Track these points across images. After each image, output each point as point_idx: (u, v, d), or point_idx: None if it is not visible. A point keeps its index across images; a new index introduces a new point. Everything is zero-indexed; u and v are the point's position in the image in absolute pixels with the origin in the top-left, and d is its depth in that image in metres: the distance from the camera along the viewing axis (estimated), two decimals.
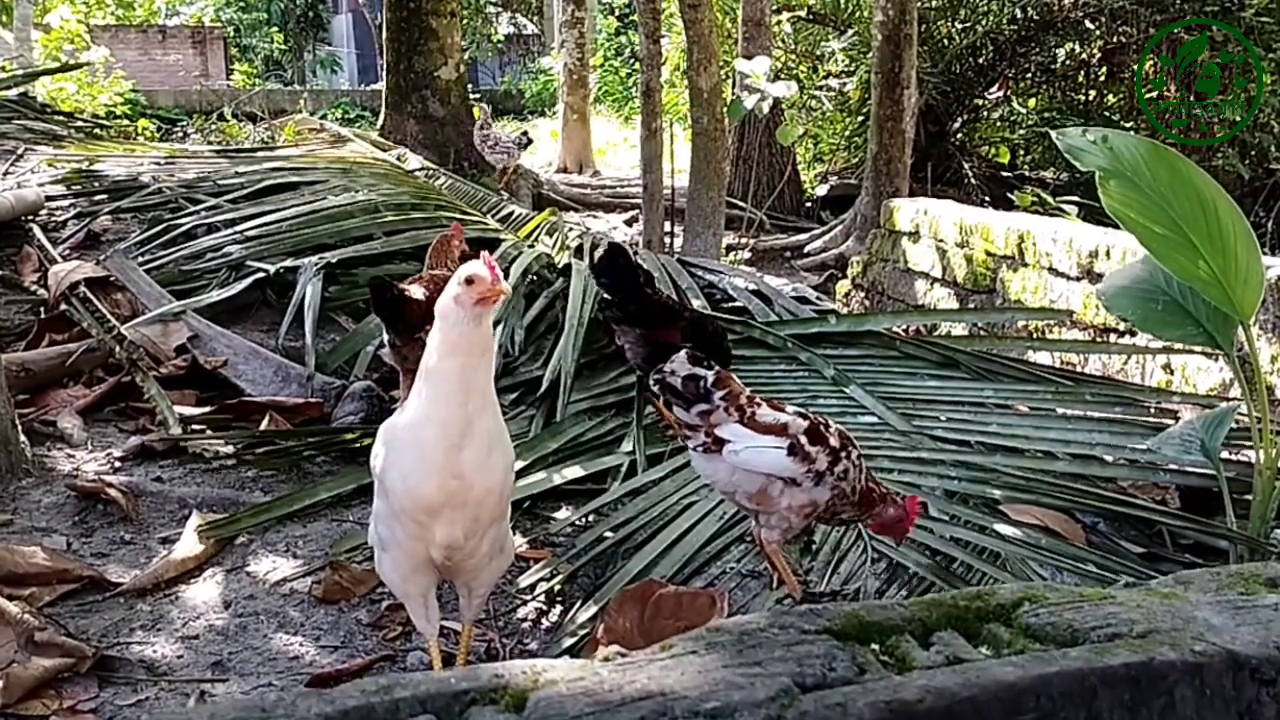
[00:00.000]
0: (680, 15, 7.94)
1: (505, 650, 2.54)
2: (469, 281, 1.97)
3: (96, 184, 6.12)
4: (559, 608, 2.73)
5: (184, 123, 12.34)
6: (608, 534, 2.96)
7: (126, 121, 11.14)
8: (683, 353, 2.57)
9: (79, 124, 8.68)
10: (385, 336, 3.52)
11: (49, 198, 5.81)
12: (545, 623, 2.68)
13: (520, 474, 3.12)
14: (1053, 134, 2.88)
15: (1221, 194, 2.64)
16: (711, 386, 2.49)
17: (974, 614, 1.41)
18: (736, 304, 4.74)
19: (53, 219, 5.63)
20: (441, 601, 2.70)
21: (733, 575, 2.79)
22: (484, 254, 2.06)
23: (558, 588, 2.79)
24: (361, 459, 3.34)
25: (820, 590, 2.71)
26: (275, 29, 24.75)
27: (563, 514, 3.19)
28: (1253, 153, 9.63)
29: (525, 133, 10.99)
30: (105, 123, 9.64)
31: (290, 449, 3.50)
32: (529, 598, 2.76)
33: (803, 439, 2.47)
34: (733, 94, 8.75)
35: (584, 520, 3.11)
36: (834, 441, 2.51)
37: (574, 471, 3.33)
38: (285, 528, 3.06)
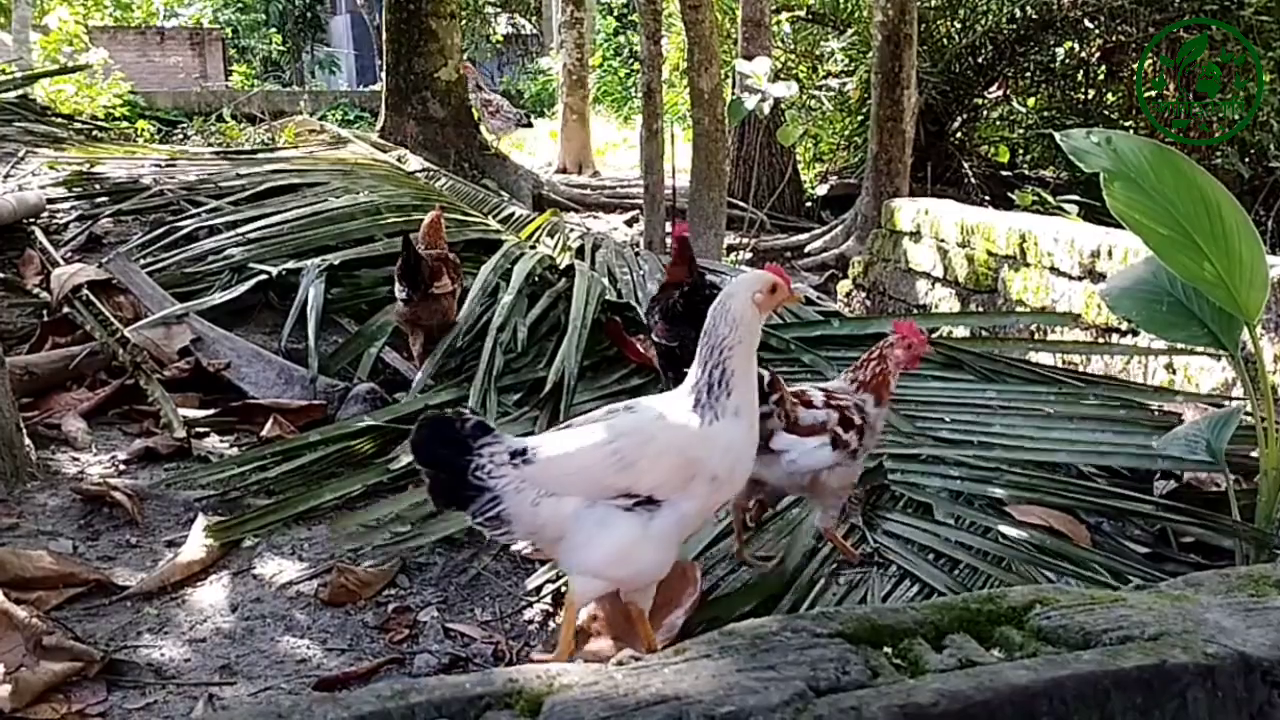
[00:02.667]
0: (681, 16, 7.95)
1: (511, 652, 2.54)
2: (773, 289, 2.19)
3: (97, 186, 6.12)
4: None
5: (183, 124, 12.32)
6: None
7: (126, 123, 11.12)
8: None
9: (79, 126, 8.69)
10: (401, 295, 4.03)
11: (50, 200, 5.81)
12: (551, 624, 2.68)
13: None
14: (1057, 136, 2.88)
15: (1226, 195, 2.64)
16: (768, 388, 2.52)
17: (986, 617, 1.41)
18: None
19: (54, 221, 5.63)
20: (453, 605, 2.72)
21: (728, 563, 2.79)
22: (773, 265, 2.40)
23: (563, 589, 2.78)
24: (375, 461, 3.37)
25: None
26: (273, 30, 24.76)
27: None
28: (1252, 151, 9.65)
29: (528, 113, 11.01)
30: (105, 125, 9.64)
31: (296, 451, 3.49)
32: (535, 599, 2.76)
33: (839, 430, 2.60)
34: (733, 94, 8.75)
35: None
36: (856, 419, 2.64)
37: None
38: (291, 530, 3.06)
